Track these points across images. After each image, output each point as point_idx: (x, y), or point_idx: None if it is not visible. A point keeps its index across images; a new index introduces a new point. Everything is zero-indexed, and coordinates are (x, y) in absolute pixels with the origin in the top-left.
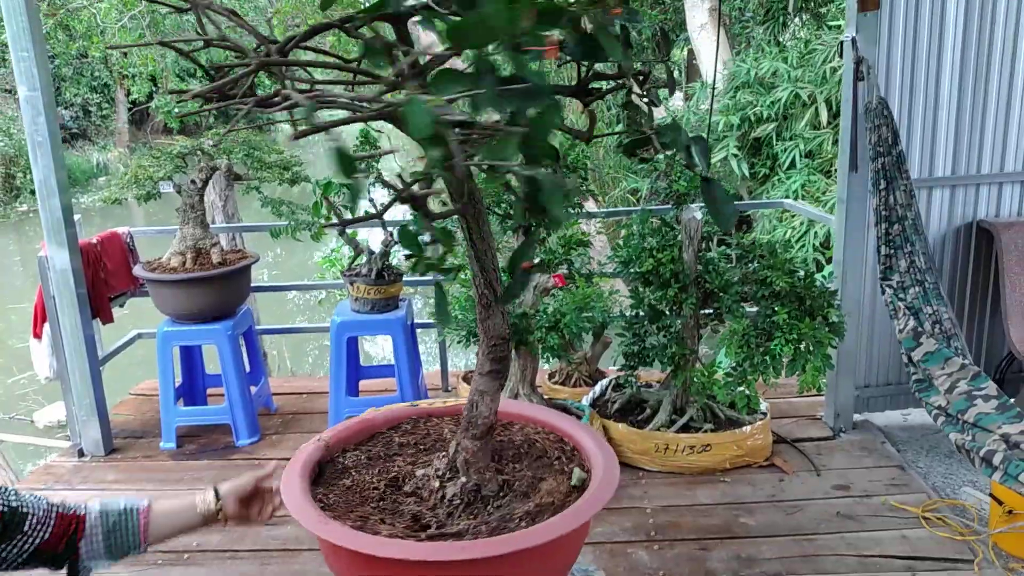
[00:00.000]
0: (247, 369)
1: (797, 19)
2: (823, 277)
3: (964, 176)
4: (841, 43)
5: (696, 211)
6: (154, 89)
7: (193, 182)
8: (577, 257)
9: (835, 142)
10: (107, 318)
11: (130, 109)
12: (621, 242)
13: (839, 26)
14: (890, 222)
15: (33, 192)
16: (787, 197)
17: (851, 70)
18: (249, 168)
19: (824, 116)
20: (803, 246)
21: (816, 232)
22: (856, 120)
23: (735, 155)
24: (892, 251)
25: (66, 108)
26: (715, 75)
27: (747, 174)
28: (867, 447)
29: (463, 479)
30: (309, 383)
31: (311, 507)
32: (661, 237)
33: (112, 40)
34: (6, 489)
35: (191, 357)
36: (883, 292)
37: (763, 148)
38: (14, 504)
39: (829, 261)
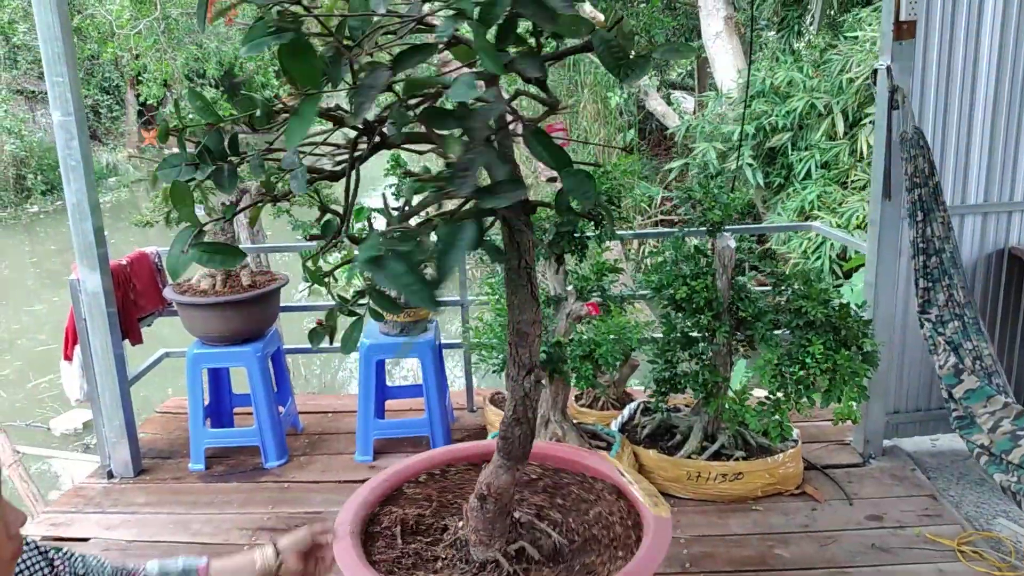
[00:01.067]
0: (275, 389)
1: (813, 27)
2: (848, 296)
3: (997, 203)
4: (875, 71)
5: (730, 239)
6: (168, 93)
7: (224, 204)
8: (609, 284)
9: (851, 152)
10: (136, 339)
11: (140, 111)
12: (651, 267)
13: (855, 36)
14: (928, 254)
15: (44, 193)
16: (803, 208)
17: (885, 98)
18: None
19: (840, 126)
20: (819, 258)
21: (833, 243)
22: (889, 148)
23: (750, 164)
24: (930, 284)
25: None
26: (747, 85)
27: (762, 183)
28: (898, 475)
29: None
30: (334, 401)
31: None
32: (695, 264)
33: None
34: (72, 555)
35: (219, 377)
36: (921, 326)
37: (778, 158)
38: (80, 572)
39: (847, 274)
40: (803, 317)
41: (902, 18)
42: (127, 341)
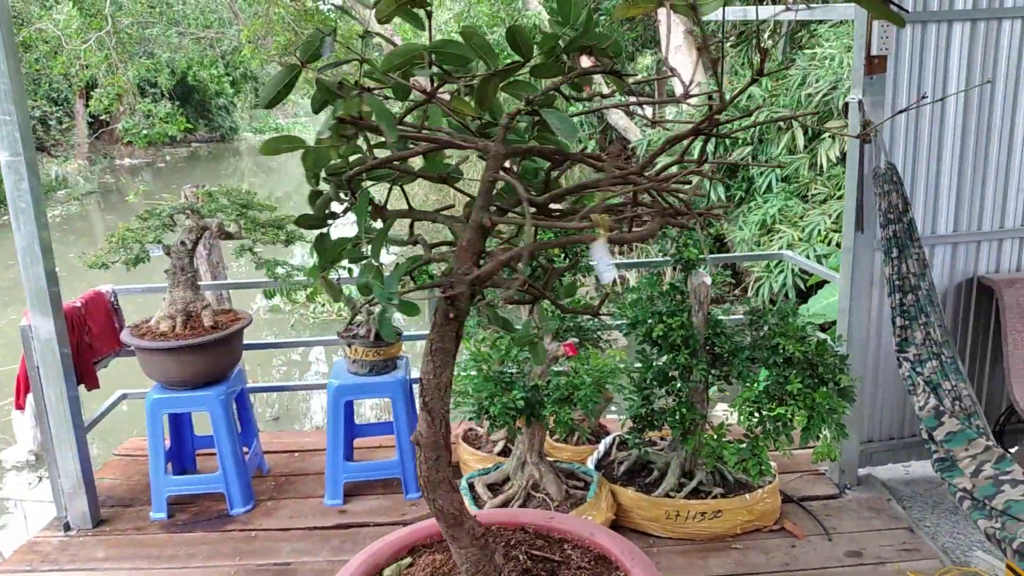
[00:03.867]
0: (239, 430)
1: (771, 41)
2: (812, 309)
3: (965, 233)
4: (846, 104)
5: (706, 276)
6: (120, 109)
7: (183, 243)
8: (585, 320)
9: (811, 166)
10: (92, 384)
11: (90, 122)
12: (627, 304)
13: (814, 54)
14: (904, 292)
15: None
16: (764, 221)
17: (857, 131)
18: (242, 228)
19: (800, 140)
20: (781, 271)
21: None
22: (862, 181)
23: (710, 178)
24: (907, 322)
25: None
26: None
27: (723, 197)
28: (874, 507)
29: None
30: (301, 439)
31: None
32: (670, 301)
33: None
34: None
35: (180, 419)
36: (900, 365)
37: (739, 171)
38: None
39: (810, 289)
40: (780, 354)
41: (873, 53)
42: (82, 386)
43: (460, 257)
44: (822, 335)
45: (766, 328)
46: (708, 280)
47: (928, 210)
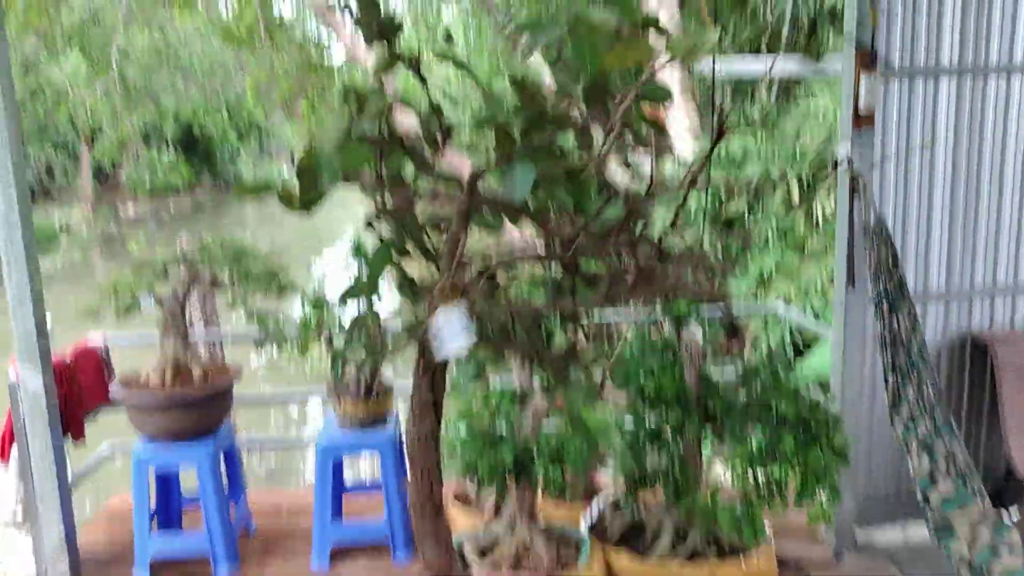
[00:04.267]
0: (227, 487)
1: (765, 95)
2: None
3: (958, 290)
4: (835, 161)
5: (696, 332)
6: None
7: (175, 294)
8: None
9: (807, 219)
10: (79, 437)
11: (95, 172)
12: (617, 359)
13: (808, 107)
14: (895, 348)
15: None
16: (761, 275)
17: (846, 186)
18: (234, 278)
19: (796, 193)
20: (779, 326)
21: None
22: (852, 236)
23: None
24: (899, 379)
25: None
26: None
27: (720, 251)
28: (872, 572)
29: None
30: (290, 497)
31: None
32: (662, 357)
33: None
34: None
35: (167, 474)
36: (893, 425)
37: (735, 224)
38: None
39: (808, 344)
40: (773, 412)
41: (860, 108)
42: (69, 438)
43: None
44: (815, 393)
45: (759, 386)
46: (699, 336)
47: (919, 266)
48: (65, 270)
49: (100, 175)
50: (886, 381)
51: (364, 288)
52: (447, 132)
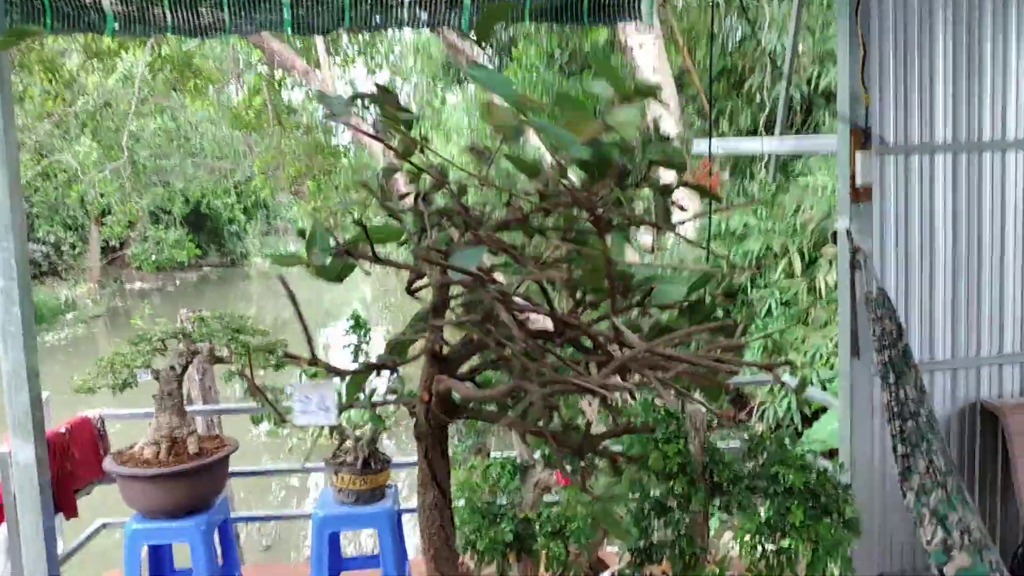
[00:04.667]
0: (220, 562)
1: (764, 171)
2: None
3: (964, 358)
4: (835, 232)
5: (702, 402)
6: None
7: (172, 368)
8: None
9: (810, 290)
10: (71, 513)
11: (103, 247)
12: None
13: (807, 184)
14: (903, 419)
15: None
16: (766, 346)
17: (847, 259)
18: (233, 352)
19: (798, 266)
20: (785, 396)
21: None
22: (855, 307)
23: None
24: (908, 450)
25: (39, 244)
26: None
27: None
28: None
29: None
30: (285, 573)
31: None
32: (666, 427)
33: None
34: None
35: (159, 551)
36: (904, 496)
37: (738, 295)
38: None
39: (815, 414)
40: (780, 483)
41: (858, 182)
42: (60, 514)
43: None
44: (824, 463)
45: (765, 456)
46: (703, 408)
47: (924, 335)
48: (68, 343)
49: (107, 251)
50: (895, 451)
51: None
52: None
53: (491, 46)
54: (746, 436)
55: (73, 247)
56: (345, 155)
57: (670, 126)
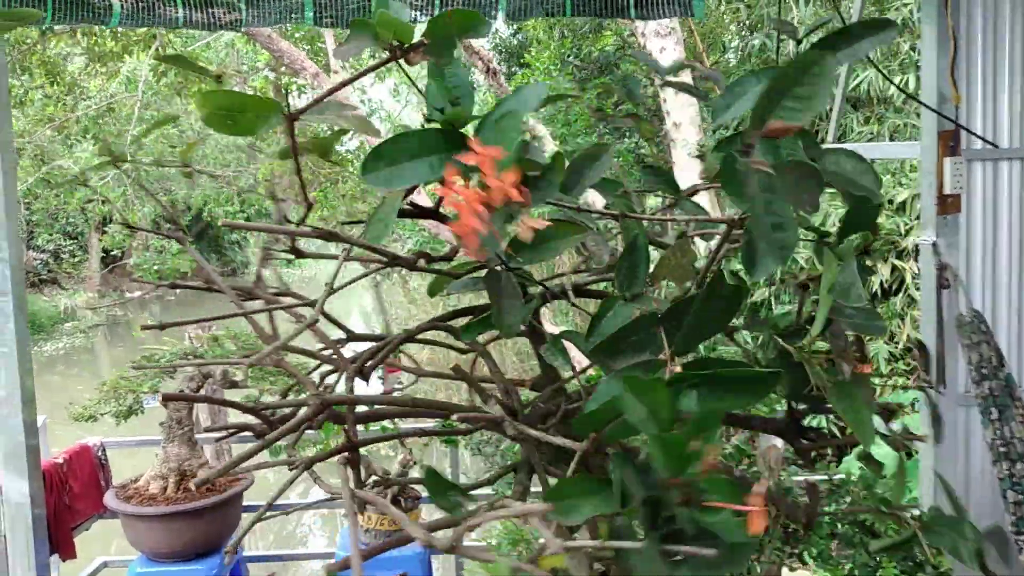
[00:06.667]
0: None
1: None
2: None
3: None
4: (917, 246)
5: (775, 439)
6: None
7: (181, 391)
8: None
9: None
10: (68, 553)
11: (103, 256)
12: None
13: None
14: (1011, 460)
15: None
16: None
17: (932, 276)
18: (248, 376)
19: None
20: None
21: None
22: (941, 331)
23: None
24: (1022, 496)
25: (38, 252)
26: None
27: (748, 340)
28: None
29: None
30: None
31: None
32: (736, 466)
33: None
34: None
35: None
36: (1020, 551)
37: (761, 311)
38: None
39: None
40: (867, 531)
41: (946, 191)
42: (56, 556)
43: None
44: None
45: (849, 499)
46: (779, 443)
47: (1014, 364)
48: (67, 355)
49: (107, 260)
50: (1005, 498)
51: None
52: None
53: (500, 52)
54: (825, 476)
55: (72, 255)
56: (352, 162)
57: (691, 133)
